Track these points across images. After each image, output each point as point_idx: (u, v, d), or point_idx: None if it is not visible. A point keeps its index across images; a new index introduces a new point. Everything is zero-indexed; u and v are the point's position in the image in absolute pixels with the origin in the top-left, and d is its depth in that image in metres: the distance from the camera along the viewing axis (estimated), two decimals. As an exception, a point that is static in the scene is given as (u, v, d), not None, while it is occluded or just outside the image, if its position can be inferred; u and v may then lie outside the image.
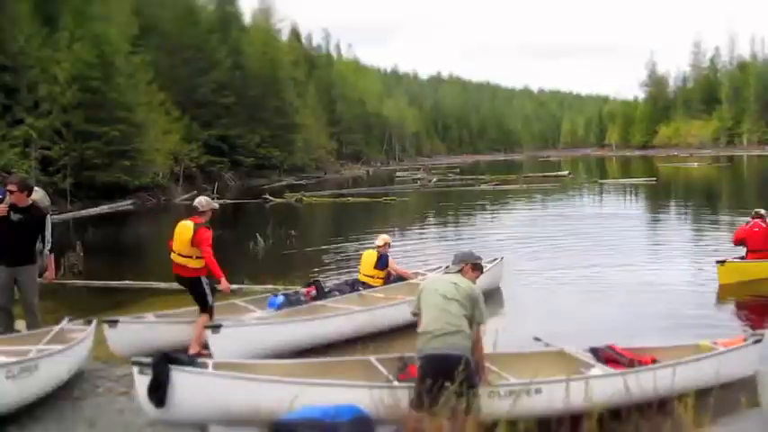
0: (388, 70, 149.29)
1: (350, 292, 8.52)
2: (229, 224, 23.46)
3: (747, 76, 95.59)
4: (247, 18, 60.08)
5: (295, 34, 75.37)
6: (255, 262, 14.19)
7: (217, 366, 4.70)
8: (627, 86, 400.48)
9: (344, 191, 36.53)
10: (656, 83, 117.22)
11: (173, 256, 6.89)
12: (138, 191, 32.05)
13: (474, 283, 4.85)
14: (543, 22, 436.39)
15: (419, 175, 48.68)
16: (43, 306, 9.20)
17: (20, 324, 7.25)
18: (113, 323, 6.42)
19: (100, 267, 12.85)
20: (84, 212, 26.75)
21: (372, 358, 5.29)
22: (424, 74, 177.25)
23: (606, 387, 4.66)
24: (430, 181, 43.39)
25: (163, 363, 4.20)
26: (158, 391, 4.18)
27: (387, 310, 7.71)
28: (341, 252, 14.59)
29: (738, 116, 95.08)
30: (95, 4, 32.75)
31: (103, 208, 28.60)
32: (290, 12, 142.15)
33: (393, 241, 10.05)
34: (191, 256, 6.77)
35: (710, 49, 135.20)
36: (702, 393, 4.59)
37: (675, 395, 4.52)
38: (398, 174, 54.01)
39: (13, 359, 4.91)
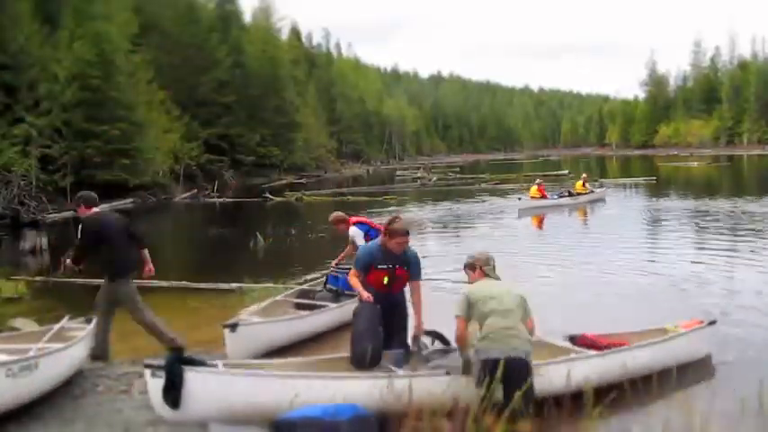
0: (389, 69, 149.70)
1: None
2: (229, 222, 23.52)
3: (748, 75, 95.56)
4: (247, 17, 60.20)
5: (295, 33, 75.37)
6: (255, 260, 14.19)
7: (227, 366, 4.74)
8: (627, 86, 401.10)
9: (344, 190, 36.41)
10: (656, 82, 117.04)
11: None
12: (138, 189, 32.02)
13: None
14: (543, 22, 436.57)
15: (419, 174, 48.59)
16: (43, 304, 9.24)
17: (19, 323, 7.26)
18: (233, 327, 6.25)
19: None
20: (84, 211, 26.69)
21: None
22: (425, 73, 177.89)
23: (589, 368, 4.93)
24: (430, 180, 43.34)
25: (176, 364, 4.23)
26: (173, 393, 4.20)
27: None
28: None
29: (739, 116, 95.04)
30: (96, 3, 32.69)
31: (104, 206, 28.40)
32: (290, 10, 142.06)
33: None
34: None
35: (711, 48, 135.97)
36: (664, 372, 5.08)
37: (646, 374, 4.87)
38: (399, 173, 53.90)
39: (13, 357, 4.91)
